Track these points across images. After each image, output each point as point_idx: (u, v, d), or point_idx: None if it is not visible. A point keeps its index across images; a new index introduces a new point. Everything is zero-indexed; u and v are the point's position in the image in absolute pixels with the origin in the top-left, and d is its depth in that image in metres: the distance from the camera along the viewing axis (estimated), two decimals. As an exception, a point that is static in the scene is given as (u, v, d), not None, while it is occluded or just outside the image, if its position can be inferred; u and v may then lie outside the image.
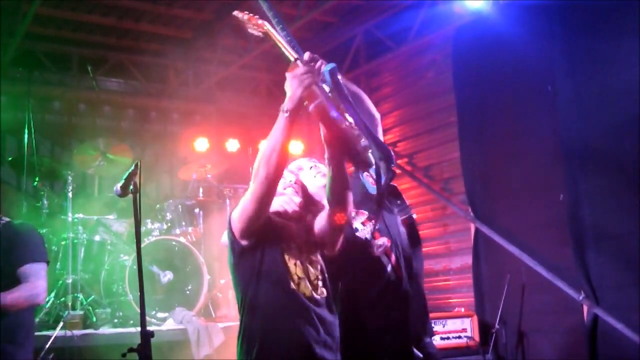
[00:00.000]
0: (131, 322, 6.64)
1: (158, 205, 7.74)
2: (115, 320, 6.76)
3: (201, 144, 9.13)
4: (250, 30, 3.34)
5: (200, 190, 8.38)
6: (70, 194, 7.13)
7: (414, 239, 3.67)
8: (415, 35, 7.80)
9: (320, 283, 3.17)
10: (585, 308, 6.13)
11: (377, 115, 3.62)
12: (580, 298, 6.11)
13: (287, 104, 2.89)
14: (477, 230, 7.23)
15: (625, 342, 5.71)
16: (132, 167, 3.27)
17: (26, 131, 7.91)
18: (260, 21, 3.29)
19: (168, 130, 9.64)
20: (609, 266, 5.94)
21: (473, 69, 7.27)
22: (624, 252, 5.81)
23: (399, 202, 3.21)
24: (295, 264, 3.11)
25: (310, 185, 3.34)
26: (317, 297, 3.12)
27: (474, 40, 7.20)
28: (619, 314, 5.83)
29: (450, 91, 7.60)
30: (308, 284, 3.10)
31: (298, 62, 2.93)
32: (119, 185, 3.27)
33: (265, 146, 2.93)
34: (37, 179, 7.32)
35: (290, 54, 3.07)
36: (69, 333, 6.01)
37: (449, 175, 7.91)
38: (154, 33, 8.83)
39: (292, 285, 3.06)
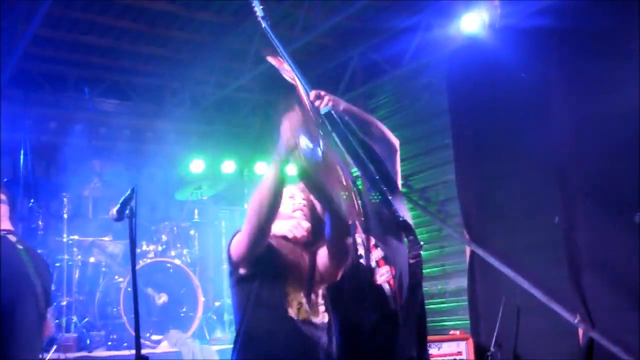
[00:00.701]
0: (125, 344, 6.61)
1: (153, 227, 7.75)
2: (110, 343, 6.74)
3: (197, 165, 9.14)
4: (283, 74, 3.40)
5: (196, 211, 8.39)
6: (65, 215, 7.13)
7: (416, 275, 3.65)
8: (411, 58, 7.84)
9: (321, 308, 3.16)
10: (580, 331, 6.11)
11: (394, 142, 3.60)
12: (576, 321, 6.10)
13: (278, 148, 2.90)
14: (472, 253, 7.23)
15: (621, 366, 5.70)
16: (129, 192, 3.28)
17: (22, 152, 7.91)
18: (287, 67, 3.33)
19: (164, 151, 9.65)
20: (605, 289, 5.93)
21: (468, 92, 7.30)
22: (620, 275, 5.81)
23: (411, 237, 3.22)
24: (296, 290, 3.09)
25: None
26: (317, 322, 3.11)
27: (469, 64, 7.24)
28: (615, 337, 5.82)
29: (446, 113, 7.63)
30: (309, 309, 3.09)
31: (296, 107, 2.93)
32: (114, 209, 3.29)
33: (260, 186, 2.94)
34: (32, 200, 7.31)
35: (304, 100, 3.11)
36: (62, 356, 6.00)
37: (444, 197, 7.91)
38: (151, 54, 8.86)
39: (291, 312, 3.05)
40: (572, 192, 6.24)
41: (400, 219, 2.98)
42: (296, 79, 3.19)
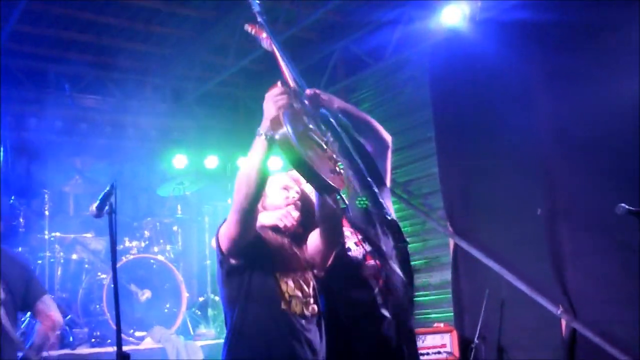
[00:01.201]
0: (109, 341, 6.58)
1: (136, 223, 7.71)
2: (93, 340, 6.71)
3: (180, 161, 9.09)
4: (262, 44, 3.38)
5: (179, 207, 8.35)
6: (47, 212, 7.08)
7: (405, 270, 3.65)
8: (392, 52, 7.84)
9: (311, 300, 3.16)
10: (563, 322, 6.16)
11: (387, 140, 3.59)
12: (559, 312, 6.14)
13: (262, 126, 2.89)
14: (456, 245, 7.25)
15: (603, 356, 5.74)
16: (108, 188, 3.26)
17: (2, 148, 7.83)
18: (265, 35, 3.33)
19: (146, 147, 9.57)
20: (587, 281, 5.98)
21: (450, 85, 7.31)
22: (601, 267, 5.85)
23: (396, 235, 3.21)
24: (287, 282, 3.08)
25: (313, 196, 3.33)
26: (308, 314, 3.10)
27: (451, 57, 7.25)
28: (597, 328, 5.87)
29: (428, 107, 7.63)
30: (299, 301, 3.08)
31: (279, 83, 2.93)
32: (94, 205, 3.26)
33: (243, 168, 2.92)
34: (13, 197, 7.25)
35: (285, 75, 3.10)
36: (44, 353, 5.94)
37: (427, 190, 7.92)
38: (132, 49, 8.80)
39: (283, 305, 3.04)
40: (554, 185, 6.27)
41: (389, 218, 2.98)
42: (281, 62, 3.17)
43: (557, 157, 6.26)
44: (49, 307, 4.47)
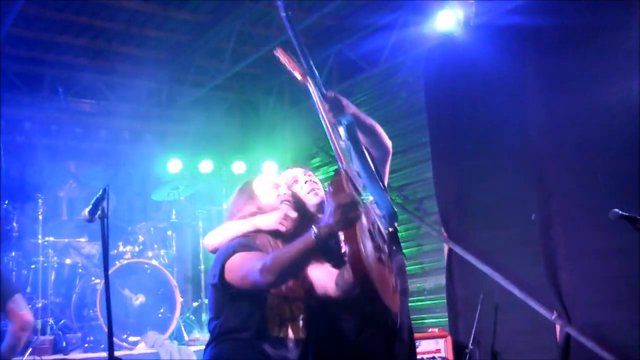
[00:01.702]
0: (102, 346, 6.56)
1: (130, 228, 7.69)
2: (86, 345, 6.69)
3: (174, 165, 9.07)
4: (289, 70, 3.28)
5: (173, 211, 8.33)
6: (40, 217, 7.06)
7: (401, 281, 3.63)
8: (387, 56, 7.85)
9: (301, 325, 3.10)
10: (557, 327, 6.15)
11: (389, 146, 3.58)
12: (553, 317, 6.14)
13: (322, 229, 2.64)
14: (450, 250, 7.24)
15: (597, 361, 5.74)
16: (100, 192, 3.25)
17: (-4, 152, 7.82)
18: (299, 69, 3.22)
19: (141, 151, 9.57)
20: (581, 285, 5.98)
21: (445, 89, 7.32)
22: (595, 271, 5.85)
23: (394, 247, 3.20)
24: (278, 304, 3.02)
25: (303, 200, 3.31)
26: (295, 340, 3.05)
27: (445, 62, 7.26)
28: (591, 332, 5.86)
29: (423, 111, 7.63)
30: (289, 325, 3.04)
31: (344, 179, 2.71)
32: (86, 210, 3.25)
33: (284, 252, 2.79)
34: (7, 201, 7.23)
35: (320, 111, 3.04)
36: (37, 358, 5.93)
37: (422, 195, 7.92)
38: (127, 53, 8.80)
39: (269, 330, 2.99)
40: (548, 189, 6.28)
41: (390, 230, 2.98)
42: (309, 80, 3.11)
43: (552, 161, 6.26)
44: (20, 306, 4.40)
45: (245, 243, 3.03)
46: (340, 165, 2.93)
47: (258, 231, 3.12)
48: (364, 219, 2.70)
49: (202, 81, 9.09)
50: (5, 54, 8.12)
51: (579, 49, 6.05)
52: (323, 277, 3.08)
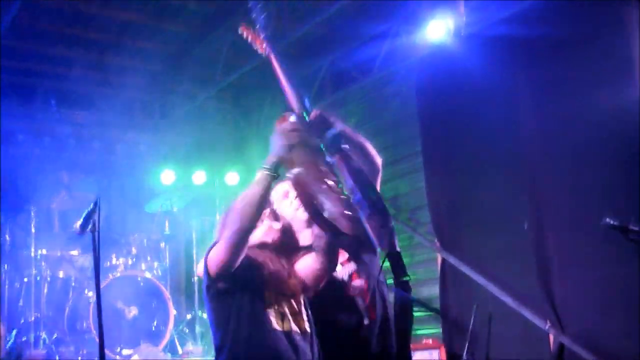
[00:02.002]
0: (95, 359, 6.53)
1: (123, 240, 7.66)
2: (79, 358, 6.65)
3: (167, 176, 9.06)
4: (257, 49, 3.32)
5: (167, 223, 8.31)
6: (33, 229, 7.03)
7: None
8: (380, 66, 7.87)
9: (303, 316, 3.13)
10: (551, 337, 6.15)
11: (379, 163, 3.59)
12: (547, 327, 6.13)
13: (268, 160, 2.83)
14: (443, 260, 7.23)
15: (591, 370, 5.73)
16: (91, 205, 3.24)
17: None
18: (264, 44, 3.28)
19: (134, 163, 9.55)
20: (574, 295, 5.97)
21: (437, 99, 7.32)
22: (589, 280, 5.85)
23: (399, 264, 3.21)
24: (276, 300, 3.05)
25: (289, 217, 3.30)
26: (299, 331, 3.07)
27: (437, 71, 7.26)
28: (585, 342, 5.85)
29: (415, 121, 7.63)
30: (290, 319, 3.06)
31: (291, 115, 2.87)
32: (77, 223, 3.25)
33: (241, 200, 2.89)
34: (-1, 213, 7.21)
35: (289, 96, 3.06)
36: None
37: (415, 205, 7.91)
38: (120, 64, 8.79)
39: (274, 324, 3.01)
40: (540, 198, 6.28)
41: (395, 250, 3.00)
42: (279, 72, 3.14)
43: (544, 170, 6.27)
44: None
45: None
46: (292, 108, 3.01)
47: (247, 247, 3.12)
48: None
49: (195, 92, 9.09)
50: (-3, 65, 8.13)
51: (571, 57, 6.06)
52: (305, 270, 3.13)
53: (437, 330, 7.28)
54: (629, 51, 5.55)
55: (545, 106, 6.25)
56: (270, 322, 3.00)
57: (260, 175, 2.84)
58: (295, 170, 2.74)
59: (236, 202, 2.91)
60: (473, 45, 6.67)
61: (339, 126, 3.23)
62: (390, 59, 7.74)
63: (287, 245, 3.21)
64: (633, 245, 3.86)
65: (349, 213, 2.87)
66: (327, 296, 3.29)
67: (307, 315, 3.16)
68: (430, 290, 7.57)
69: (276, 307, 3.03)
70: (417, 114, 7.60)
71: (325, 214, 2.89)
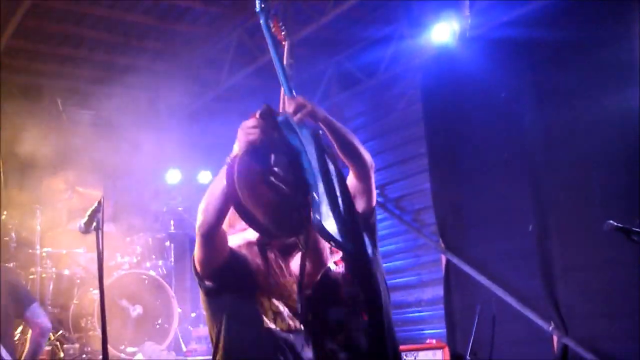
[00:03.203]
0: (100, 357, 6.53)
1: (128, 239, 7.68)
2: (84, 356, 6.68)
3: (173, 176, 9.08)
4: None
5: (172, 222, 8.33)
6: (39, 227, 7.06)
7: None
8: (386, 68, 7.88)
9: (299, 316, 3.13)
10: (555, 338, 6.16)
11: (368, 159, 3.44)
12: (550, 328, 6.14)
13: (232, 153, 2.83)
14: (448, 261, 7.26)
15: (594, 372, 5.75)
16: (95, 204, 3.27)
17: (-5, 163, 7.83)
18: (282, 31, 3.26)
19: (139, 162, 9.56)
20: (577, 296, 5.99)
21: (442, 101, 7.35)
22: (591, 282, 5.87)
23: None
24: (270, 299, 3.05)
25: None
26: (294, 329, 3.08)
27: (442, 73, 7.29)
28: (588, 344, 5.87)
29: (421, 123, 7.66)
30: (284, 317, 3.06)
31: (257, 113, 2.88)
32: (82, 222, 3.27)
33: (207, 193, 2.90)
34: (5, 212, 7.23)
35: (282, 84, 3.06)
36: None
37: (420, 206, 7.94)
38: (126, 64, 8.82)
39: (267, 323, 3.01)
40: (544, 201, 6.30)
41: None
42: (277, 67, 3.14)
43: (548, 173, 6.29)
44: (37, 314, 4.89)
45: None
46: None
47: (248, 244, 3.13)
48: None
49: (201, 92, 9.11)
50: (5, 65, 8.15)
51: (575, 61, 6.08)
52: (297, 268, 3.13)
53: (441, 330, 7.29)
54: (632, 55, 5.57)
55: (550, 108, 6.27)
56: (263, 321, 3.00)
57: (222, 169, 2.85)
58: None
59: (204, 196, 2.92)
60: (478, 47, 6.68)
61: (322, 115, 3.14)
62: (395, 61, 7.76)
63: (281, 243, 3.21)
64: (636, 247, 3.87)
65: None
66: (320, 294, 3.30)
67: (302, 314, 3.15)
68: (435, 291, 7.59)
69: (269, 306, 3.03)
70: (422, 116, 7.63)
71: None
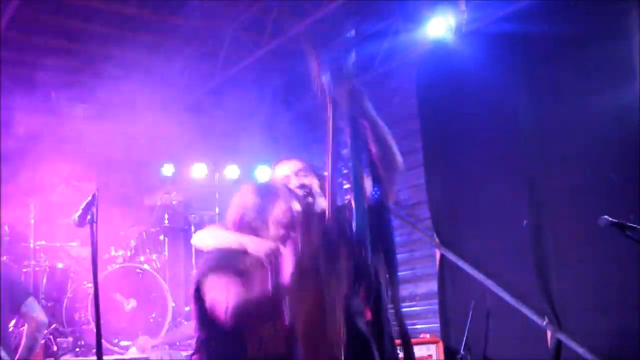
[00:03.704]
0: (93, 350, 6.53)
1: (122, 232, 7.66)
2: (77, 350, 6.66)
3: (167, 169, 9.06)
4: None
5: (166, 216, 8.32)
6: (32, 221, 7.04)
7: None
8: (380, 63, 7.86)
9: (284, 341, 3.08)
10: (548, 333, 6.17)
11: (400, 162, 3.24)
12: (544, 323, 6.16)
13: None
14: (442, 256, 7.26)
15: (588, 367, 5.76)
16: (90, 198, 3.25)
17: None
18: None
19: (134, 156, 9.53)
20: (571, 292, 6.01)
21: (437, 96, 7.34)
22: (586, 277, 5.88)
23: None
24: (258, 326, 3.00)
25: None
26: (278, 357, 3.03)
27: (437, 68, 7.28)
28: (582, 338, 5.88)
29: (416, 118, 7.65)
30: (269, 345, 3.01)
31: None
32: (76, 215, 3.25)
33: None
34: (-2, 205, 7.21)
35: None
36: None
37: (414, 201, 7.94)
38: (120, 57, 8.78)
39: (249, 349, 2.94)
40: (539, 196, 6.30)
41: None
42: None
43: (542, 168, 6.29)
44: (33, 309, 4.83)
45: (223, 263, 2.97)
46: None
47: (245, 252, 3.02)
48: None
49: (195, 85, 9.09)
50: (-2, 58, 8.11)
51: (571, 56, 6.08)
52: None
53: (435, 325, 7.30)
54: (630, 51, 5.57)
55: (545, 104, 6.27)
56: (245, 348, 2.93)
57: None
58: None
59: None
60: (474, 42, 6.68)
61: (371, 112, 3.04)
62: (390, 56, 7.75)
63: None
64: (630, 242, 3.87)
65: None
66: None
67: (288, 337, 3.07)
68: (429, 286, 7.60)
69: (255, 335, 2.94)
70: (417, 111, 7.62)
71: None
